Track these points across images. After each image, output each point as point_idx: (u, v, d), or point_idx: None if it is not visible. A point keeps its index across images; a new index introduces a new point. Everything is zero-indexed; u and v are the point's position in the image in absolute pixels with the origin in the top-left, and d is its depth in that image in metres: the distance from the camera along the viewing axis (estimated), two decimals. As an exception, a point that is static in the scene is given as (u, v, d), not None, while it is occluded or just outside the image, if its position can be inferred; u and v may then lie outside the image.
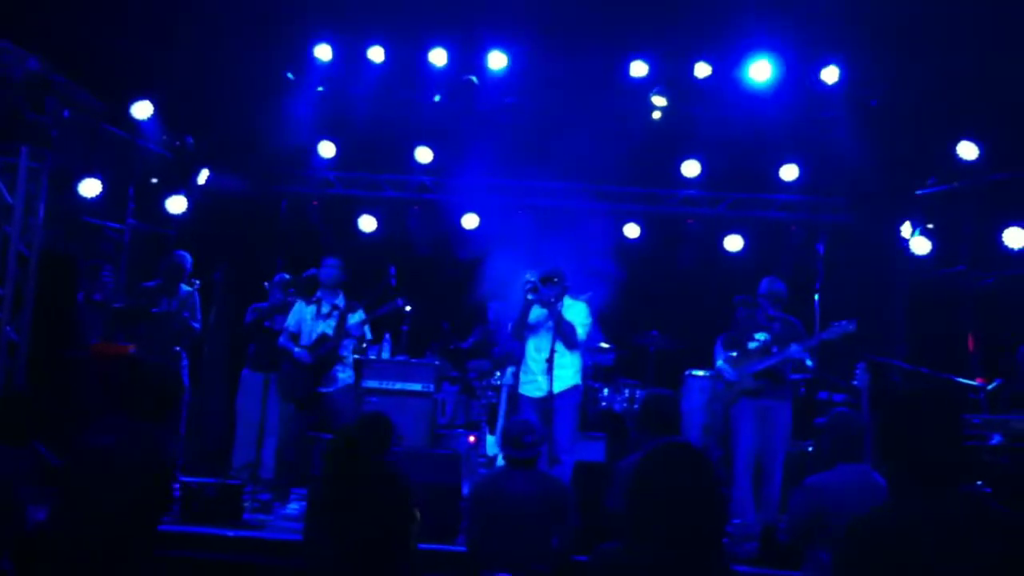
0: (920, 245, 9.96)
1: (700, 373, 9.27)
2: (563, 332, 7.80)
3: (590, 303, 8.50)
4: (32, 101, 8.47)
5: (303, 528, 5.55)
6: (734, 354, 8.22)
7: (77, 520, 4.61)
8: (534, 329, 7.95)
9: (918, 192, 10.16)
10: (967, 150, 9.63)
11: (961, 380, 8.31)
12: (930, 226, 9.92)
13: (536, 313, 7.93)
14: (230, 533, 6.96)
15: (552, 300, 7.80)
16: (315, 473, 8.33)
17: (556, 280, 7.85)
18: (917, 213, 10.11)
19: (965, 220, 9.74)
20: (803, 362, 8.10)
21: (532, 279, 7.81)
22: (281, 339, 8.54)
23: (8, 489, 5.12)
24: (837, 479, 5.42)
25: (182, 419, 9.02)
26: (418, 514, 5.35)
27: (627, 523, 3.05)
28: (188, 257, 9.34)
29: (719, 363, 8.29)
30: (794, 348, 7.95)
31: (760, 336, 8.15)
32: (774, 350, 8.02)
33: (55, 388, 8.45)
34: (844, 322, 7.95)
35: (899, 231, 10.20)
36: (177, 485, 7.85)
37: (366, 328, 8.62)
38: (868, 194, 10.70)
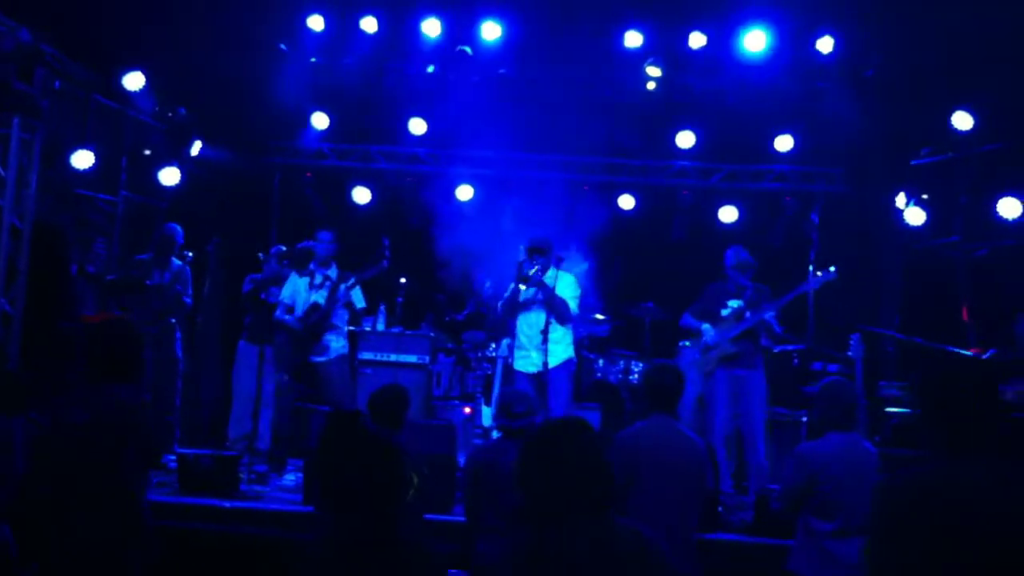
0: (914, 215, 9.95)
1: (691, 345, 9.29)
2: (555, 307, 7.79)
3: (583, 275, 8.51)
4: (22, 72, 8.40)
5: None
6: (707, 324, 8.26)
7: (58, 496, 4.59)
8: (526, 305, 7.93)
9: (912, 162, 10.15)
10: (962, 120, 9.61)
11: (955, 350, 8.33)
12: (924, 196, 9.91)
13: (527, 289, 7.90)
14: (227, 504, 7.01)
15: (541, 280, 7.76)
16: (310, 444, 8.37)
17: (543, 251, 7.83)
18: (911, 183, 10.09)
19: (959, 190, 9.74)
20: (771, 327, 8.10)
21: (522, 257, 7.79)
22: (277, 312, 8.55)
23: (3, 458, 5.11)
24: (828, 447, 5.45)
25: (177, 389, 9.03)
26: (415, 478, 5.35)
27: (524, 501, 3.08)
28: (180, 229, 9.32)
29: (704, 326, 8.30)
30: (768, 307, 7.99)
31: (733, 303, 8.19)
32: (747, 315, 8.06)
33: (49, 360, 8.43)
34: (822, 272, 8.00)
35: (893, 201, 10.19)
36: (173, 456, 7.89)
37: (358, 294, 8.59)
38: (863, 165, 10.69)
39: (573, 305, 7.97)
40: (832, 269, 8.02)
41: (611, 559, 2.91)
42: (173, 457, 7.96)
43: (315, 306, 8.37)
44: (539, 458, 3.07)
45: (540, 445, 3.11)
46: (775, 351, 8.91)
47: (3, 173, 8.40)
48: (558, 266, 7.96)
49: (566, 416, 3.41)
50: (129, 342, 4.85)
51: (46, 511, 4.58)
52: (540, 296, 7.83)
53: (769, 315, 8.02)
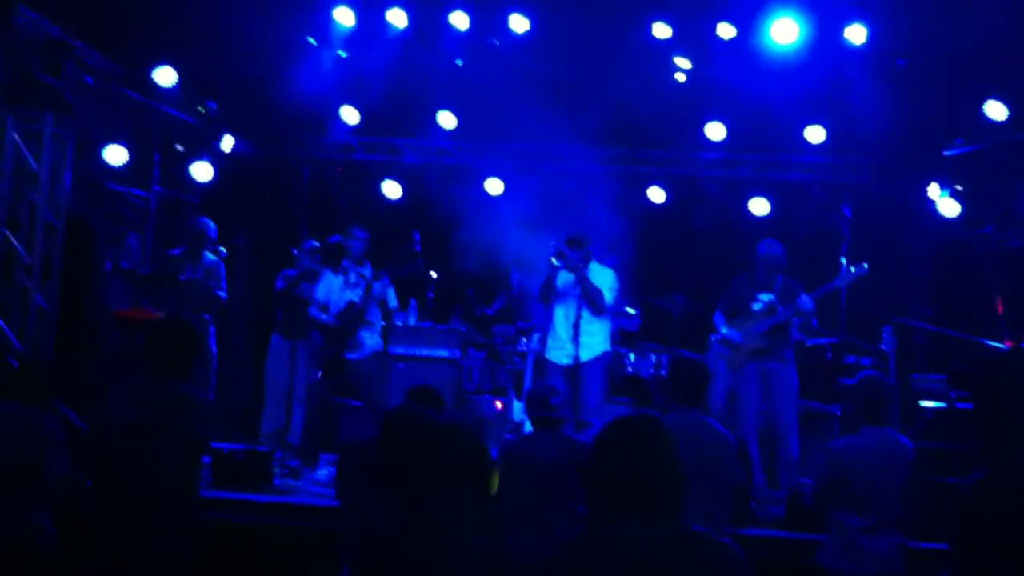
0: (948, 206, 9.88)
1: (721, 338, 9.26)
2: (590, 297, 7.81)
3: (616, 268, 8.49)
4: (52, 67, 8.48)
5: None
6: (738, 319, 8.20)
7: (115, 496, 4.64)
8: (561, 295, 7.96)
9: (945, 153, 10.06)
10: (995, 110, 9.52)
11: (989, 343, 8.26)
12: (958, 187, 9.84)
13: (563, 278, 7.94)
14: (260, 498, 7.04)
15: (578, 264, 7.79)
16: (342, 440, 8.40)
17: (581, 244, 7.85)
18: (944, 174, 10.02)
19: (993, 181, 9.66)
20: (810, 319, 8.03)
21: (557, 243, 7.81)
22: (311, 310, 8.60)
23: (33, 449, 5.15)
24: (861, 442, 5.44)
25: (211, 384, 9.08)
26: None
27: (588, 500, 3.04)
28: (211, 224, 9.36)
29: (724, 330, 8.25)
30: (804, 299, 7.89)
31: (764, 296, 8.11)
32: (779, 309, 7.98)
33: (83, 354, 8.52)
34: (855, 268, 7.91)
35: (926, 193, 10.12)
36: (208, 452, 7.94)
37: (391, 293, 8.65)
38: (895, 155, 10.61)
39: (609, 296, 7.97)
40: (864, 265, 7.94)
41: (676, 564, 2.86)
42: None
43: (351, 305, 8.41)
44: (611, 453, 3.02)
45: (614, 440, 3.06)
46: (808, 344, 8.85)
47: (36, 168, 8.49)
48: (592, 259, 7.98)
49: (639, 414, 3.35)
50: (191, 339, 4.97)
51: (101, 507, 4.64)
52: (576, 286, 7.83)
53: (807, 307, 7.92)
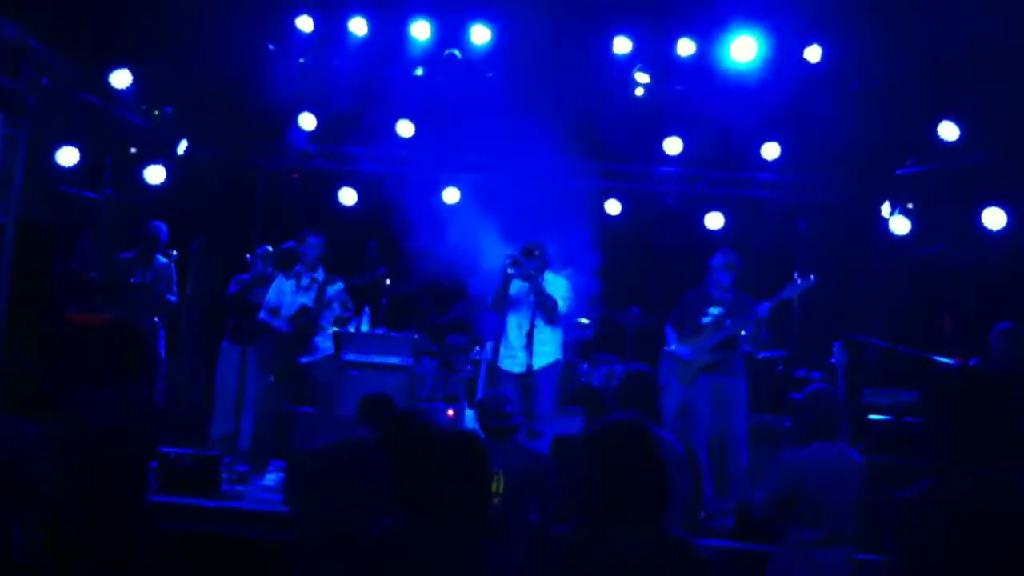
0: (900, 225, 9.99)
1: (677, 350, 9.29)
2: (544, 306, 7.81)
3: (570, 278, 8.52)
4: (9, 68, 8.39)
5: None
6: (686, 332, 8.24)
7: (68, 500, 4.58)
8: (515, 303, 7.96)
9: (898, 172, 10.18)
10: (948, 131, 9.64)
11: (938, 359, 8.35)
12: (910, 206, 9.95)
13: (517, 287, 7.94)
14: (208, 504, 6.98)
15: (532, 273, 7.80)
16: (294, 447, 8.34)
17: (537, 253, 7.86)
18: (897, 193, 10.13)
19: (945, 200, 9.78)
20: (760, 329, 8.10)
21: (513, 252, 7.81)
22: (261, 314, 8.55)
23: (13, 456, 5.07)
24: (813, 455, 5.45)
25: (159, 388, 8.99)
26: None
27: (578, 500, 3.04)
28: (164, 228, 9.30)
29: (672, 346, 8.30)
30: (762, 307, 7.96)
31: (714, 310, 8.17)
32: (727, 323, 8.05)
33: (32, 358, 8.40)
34: (802, 280, 8.00)
35: (879, 211, 10.23)
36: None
37: (346, 298, 8.62)
38: (849, 173, 10.72)
39: (563, 306, 7.99)
40: (812, 276, 8.02)
41: (656, 568, 2.85)
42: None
43: (304, 308, 8.37)
44: (597, 456, 3.01)
45: (600, 443, 3.04)
46: (759, 357, 8.91)
47: (-12, 169, 8.38)
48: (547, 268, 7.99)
49: (626, 416, 3.35)
50: (138, 341, 4.91)
51: (62, 512, 4.58)
52: (530, 295, 7.84)
53: (750, 329, 8.00)
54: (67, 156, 9.30)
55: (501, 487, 5.35)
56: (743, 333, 8.08)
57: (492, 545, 3.53)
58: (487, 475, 3.61)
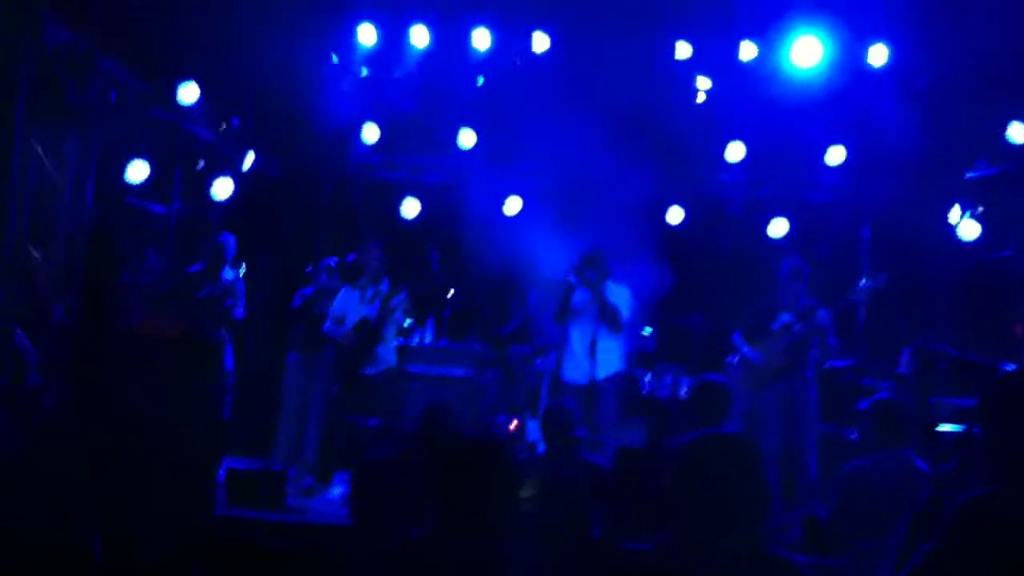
0: (968, 229, 9.82)
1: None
2: (607, 315, 7.80)
3: (633, 288, 8.49)
4: (79, 82, 8.55)
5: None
6: (757, 339, 8.19)
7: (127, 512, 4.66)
8: (577, 314, 7.95)
9: (967, 175, 10.00)
10: (1017, 132, 9.47)
11: (1009, 367, 8.19)
12: (979, 210, 9.78)
13: (579, 297, 7.93)
14: (273, 517, 7.04)
15: (595, 282, 7.79)
16: (358, 457, 8.40)
17: (598, 262, 7.85)
18: (966, 197, 9.96)
19: (1015, 204, 9.59)
20: (826, 336, 8.01)
21: (575, 262, 7.81)
22: (326, 326, 8.61)
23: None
24: (876, 465, 5.39)
25: (227, 402, 9.09)
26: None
27: (672, 509, 3.04)
28: (232, 241, 9.40)
29: (744, 349, 8.26)
30: (821, 314, 7.89)
31: (783, 316, 8.11)
32: (796, 327, 7.97)
33: (100, 368, 8.54)
34: (868, 280, 7.91)
35: (947, 215, 10.06)
36: (222, 470, 7.96)
37: (409, 306, 8.66)
38: (915, 177, 10.55)
39: (626, 315, 7.97)
40: (882, 276, 7.92)
41: None
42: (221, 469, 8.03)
43: (364, 320, 8.42)
44: (696, 470, 3.01)
45: (701, 457, 3.05)
46: (825, 366, 8.81)
47: (60, 182, 8.55)
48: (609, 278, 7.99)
49: (727, 431, 3.39)
50: (206, 355, 4.98)
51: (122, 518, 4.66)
52: (593, 304, 7.83)
53: (824, 322, 7.91)
54: (136, 170, 9.44)
55: (531, 492, 5.36)
56: (813, 339, 8.01)
57: (516, 547, 3.58)
58: (507, 480, 3.66)
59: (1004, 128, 9.51)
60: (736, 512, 2.92)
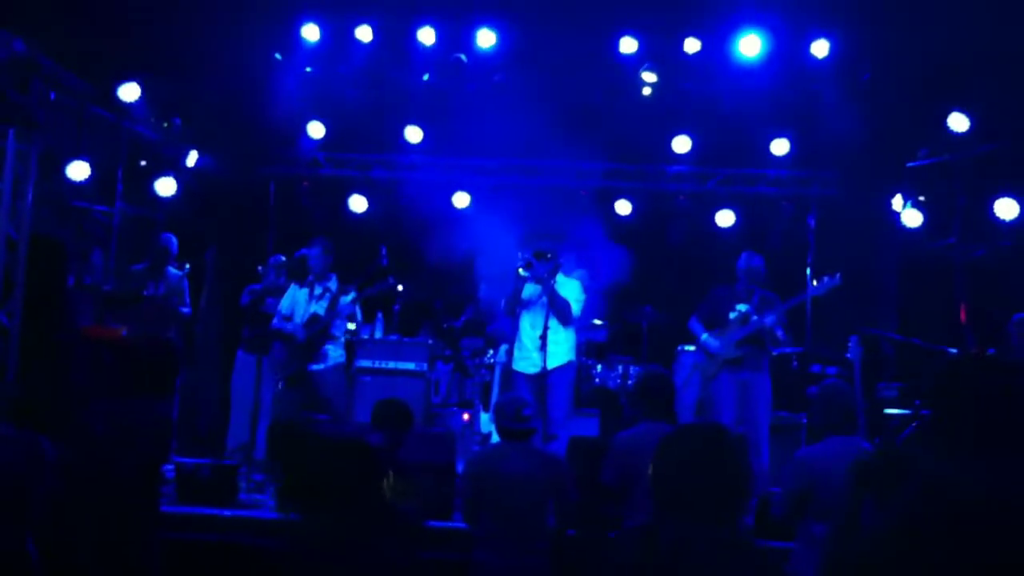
0: (911, 217, 9.95)
1: (692, 348, 9.27)
2: (557, 308, 7.82)
3: (582, 280, 8.53)
4: (18, 83, 8.39)
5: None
6: (715, 328, 8.28)
7: (85, 508, 4.60)
8: (528, 305, 7.97)
9: (909, 164, 10.14)
10: (958, 122, 9.62)
11: (953, 351, 8.32)
12: (921, 198, 9.91)
13: (530, 289, 7.96)
14: (226, 513, 6.98)
15: (545, 276, 7.81)
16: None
17: (549, 256, 7.88)
18: (908, 185, 10.09)
19: (956, 192, 9.73)
20: (774, 332, 8.12)
21: (525, 255, 7.82)
22: (274, 321, 8.57)
23: (26, 472, 5.08)
24: (828, 451, 5.43)
25: (175, 400, 9.00)
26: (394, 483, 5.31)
27: (654, 500, 3.05)
28: (174, 240, 9.34)
29: (703, 336, 8.34)
30: (778, 308, 8.02)
31: (741, 307, 8.21)
32: (753, 319, 8.09)
33: (46, 373, 8.41)
34: (827, 279, 8.04)
35: (890, 204, 10.19)
36: (171, 466, 7.87)
37: (357, 309, 8.66)
38: (859, 167, 10.68)
39: (576, 307, 8.00)
40: (837, 276, 8.03)
41: (733, 569, 2.87)
42: (171, 467, 7.94)
43: (315, 317, 8.38)
44: (681, 459, 3.02)
45: (685, 445, 3.05)
46: (774, 354, 8.92)
47: (-1, 184, 8.40)
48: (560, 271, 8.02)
49: (711, 422, 3.43)
50: (171, 359, 4.95)
51: (72, 522, 4.59)
52: (543, 296, 7.85)
53: (771, 320, 8.05)
54: (78, 170, 9.31)
55: (394, 485, 5.35)
56: (775, 332, 8.10)
57: (387, 540, 3.63)
58: (372, 476, 3.71)
59: (945, 118, 9.64)
60: (717, 501, 2.94)
